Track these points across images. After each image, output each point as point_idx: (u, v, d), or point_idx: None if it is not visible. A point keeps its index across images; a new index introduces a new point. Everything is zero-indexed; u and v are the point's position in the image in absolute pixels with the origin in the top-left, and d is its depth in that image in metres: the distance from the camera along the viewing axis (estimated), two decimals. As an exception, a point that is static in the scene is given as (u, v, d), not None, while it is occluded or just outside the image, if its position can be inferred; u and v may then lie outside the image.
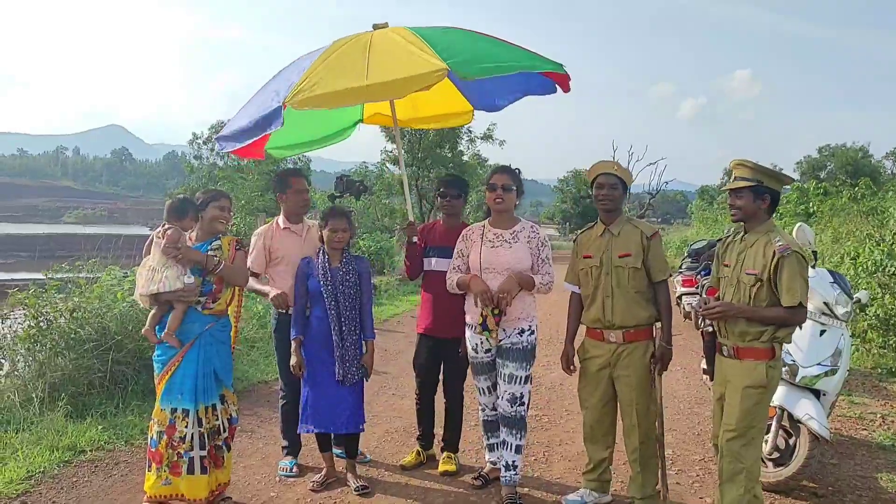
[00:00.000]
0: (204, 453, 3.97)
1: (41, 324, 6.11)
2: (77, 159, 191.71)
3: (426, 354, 4.76)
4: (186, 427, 3.94)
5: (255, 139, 4.23)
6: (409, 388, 4.86)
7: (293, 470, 4.69)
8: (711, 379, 3.98)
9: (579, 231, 4.38)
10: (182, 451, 3.92)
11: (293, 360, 4.29)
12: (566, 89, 4.51)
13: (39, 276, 7.48)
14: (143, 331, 4.10)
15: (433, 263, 4.63)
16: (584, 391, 4.23)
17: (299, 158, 31.19)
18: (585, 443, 4.30)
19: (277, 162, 30.33)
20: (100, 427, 5.37)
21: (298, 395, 4.73)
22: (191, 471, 3.93)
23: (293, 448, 4.81)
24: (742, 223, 3.72)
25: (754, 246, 3.61)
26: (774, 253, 3.48)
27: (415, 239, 4.70)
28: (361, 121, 5.39)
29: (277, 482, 4.58)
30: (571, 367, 4.31)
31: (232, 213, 4.21)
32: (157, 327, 4.02)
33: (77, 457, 4.94)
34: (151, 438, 3.98)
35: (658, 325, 4.08)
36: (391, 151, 28.98)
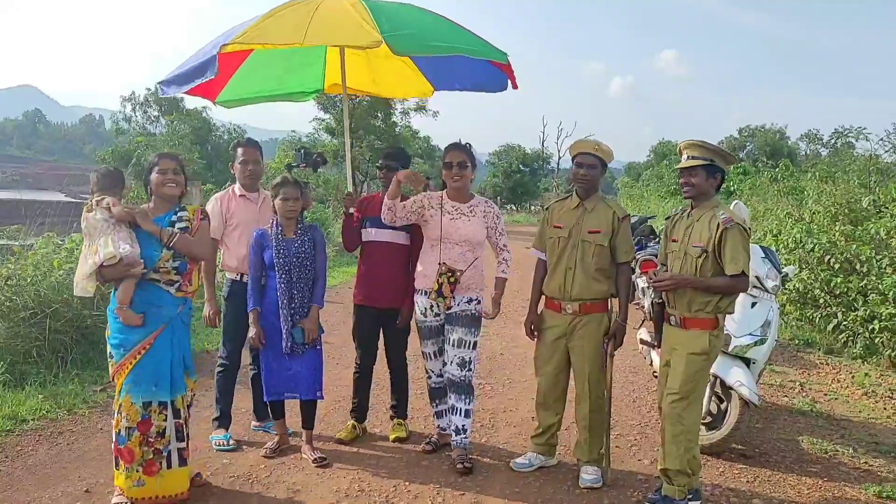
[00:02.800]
0: (183, 445, 3.72)
1: (-26, 291, 5.91)
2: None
3: (366, 325, 4.82)
4: (165, 421, 3.66)
5: (192, 85, 4.28)
6: (351, 357, 4.94)
7: (230, 443, 4.64)
8: (658, 346, 4.19)
9: (553, 200, 4.52)
10: (160, 447, 3.64)
11: (252, 332, 4.29)
12: (514, 86, 4.68)
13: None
14: (121, 316, 3.59)
15: (371, 234, 4.68)
16: (540, 359, 4.39)
17: (234, 128, 30.63)
18: (537, 408, 4.47)
19: (209, 132, 29.60)
20: (40, 396, 5.28)
21: (238, 362, 4.80)
22: (169, 465, 3.67)
23: (224, 420, 4.78)
24: (692, 200, 3.93)
25: (700, 220, 3.83)
26: (719, 225, 3.71)
27: (352, 210, 4.73)
28: (322, 90, 5.40)
29: (226, 451, 4.60)
30: (535, 334, 4.44)
31: (181, 175, 3.83)
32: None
33: (19, 426, 4.87)
34: (118, 434, 3.61)
35: (614, 300, 4.26)
36: (324, 120, 28.61)
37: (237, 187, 4.73)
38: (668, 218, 4.24)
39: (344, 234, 4.83)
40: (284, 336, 4.27)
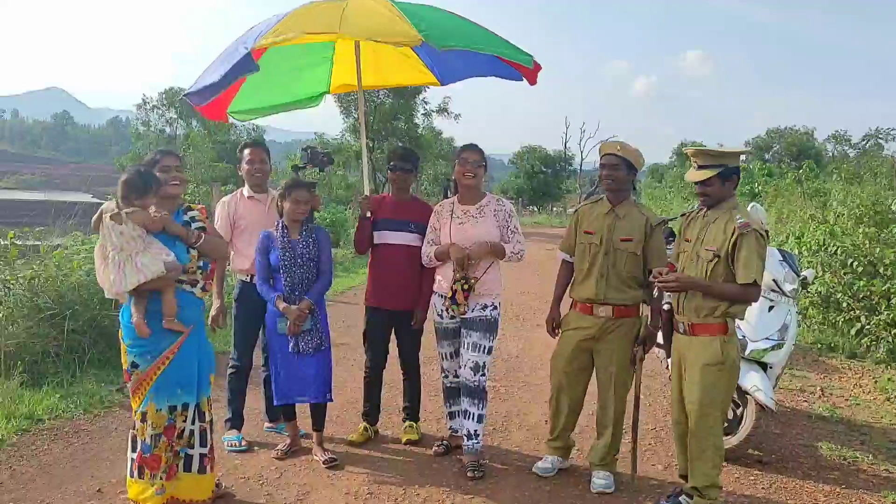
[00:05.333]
0: (205, 451, 3.64)
1: (-1, 290, 6.01)
2: (15, 122, 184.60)
3: (377, 328, 4.80)
4: (185, 422, 3.58)
5: (221, 92, 4.23)
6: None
7: (242, 444, 4.64)
8: (668, 356, 4.12)
9: (581, 203, 4.47)
10: (179, 449, 3.58)
11: (281, 306, 4.21)
12: (532, 82, 4.68)
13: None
14: (133, 321, 3.46)
15: (383, 236, 4.66)
16: (561, 359, 4.31)
17: (254, 128, 30.82)
18: (554, 411, 4.41)
19: (228, 130, 29.85)
20: (57, 396, 5.33)
21: (249, 363, 4.80)
22: (188, 468, 3.60)
23: (236, 421, 4.78)
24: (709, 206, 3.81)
25: (716, 222, 3.70)
26: (735, 230, 3.58)
27: (369, 214, 4.70)
28: (328, 92, 5.40)
29: (238, 452, 4.61)
30: (556, 332, 4.40)
31: (183, 172, 3.74)
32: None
33: (35, 425, 4.91)
34: (143, 443, 3.48)
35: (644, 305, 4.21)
36: (349, 119, 28.70)
37: (245, 189, 4.74)
38: (683, 215, 4.12)
39: (357, 235, 4.80)
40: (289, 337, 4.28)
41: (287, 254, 4.23)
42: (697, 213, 3.92)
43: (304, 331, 4.27)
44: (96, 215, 3.57)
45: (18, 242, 7.00)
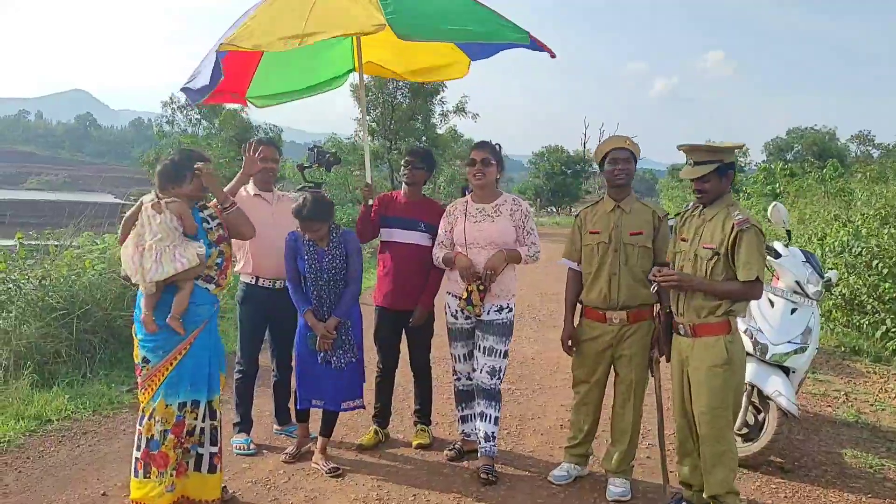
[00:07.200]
0: (216, 450, 3.60)
1: (10, 290, 5.98)
2: (39, 124, 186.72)
3: (387, 328, 4.72)
4: (196, 419, 3.54)
5: (211, 90, 3.98)
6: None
7: (251, 447, 4.58)
8: (668, 360, 3.96)
9: (582, 207, 4.33)
10: (189, 446, 3.52)
11: (310, 321, 4.15)
12: (551, 54, 4.51)
13: (8, 242, 7.34)
14: (141, 317, 3.48)
15: (394, 235, 4.58)
16: (582, 371, 4.19)
17: (271, 128, 30.84)
18: (576, 419, 4.29)
19: (248, 130, 29.99)
20: (66, 396, 5.30)
21: (256, 366, 4.74)
22: (198, 467, 3.56)
23: (245, 425, 4.72)
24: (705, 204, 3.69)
25: (713, 220, 3.59)
26: (733, 227, 3.46)
27: (371, 201, 4.63)
28: (353, 69, 5.25)
29: (246, 455, 4.54)
30: (573, 349, 4.23)
31: (204, 171, 3.62)
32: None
33: (43, 426, 4.87)
34: (150, 440, 3.43)
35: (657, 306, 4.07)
36: (369, 119, 28.68)
37: (251, 186, 4.63)
38: (677, 214, 3.98)
39: (360, 223, 4.69)
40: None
41: (314, 265, 4.14)
42: (693, 211, 3.78)
43: (334, 347, 4.19)
44: (135, 207, 3.61)
45: (35, 242, 7.01)
